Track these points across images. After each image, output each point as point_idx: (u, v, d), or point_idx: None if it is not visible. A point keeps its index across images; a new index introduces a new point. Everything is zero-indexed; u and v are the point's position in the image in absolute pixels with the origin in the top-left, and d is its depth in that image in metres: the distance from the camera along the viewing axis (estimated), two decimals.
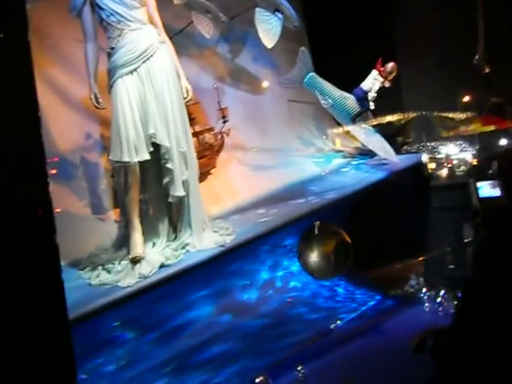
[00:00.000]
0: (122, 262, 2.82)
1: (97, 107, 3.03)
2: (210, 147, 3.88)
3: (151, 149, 2.93)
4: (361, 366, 3.18)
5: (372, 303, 4.03)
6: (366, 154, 4.58)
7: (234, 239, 3.05)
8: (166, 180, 2.99)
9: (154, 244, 3.02)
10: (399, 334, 3.43)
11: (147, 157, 2.90)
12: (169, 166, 2.96)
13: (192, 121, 3.81)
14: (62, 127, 3.53)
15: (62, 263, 2.89)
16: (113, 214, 3.39)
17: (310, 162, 4.41)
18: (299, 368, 3.19)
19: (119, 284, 2.65)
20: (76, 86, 3.54)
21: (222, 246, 2.99)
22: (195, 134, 3.84)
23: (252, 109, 4.56)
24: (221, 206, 3.63)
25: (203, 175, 3.88)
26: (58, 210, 3.27)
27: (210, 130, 3.93)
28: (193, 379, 2.90)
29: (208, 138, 3.90)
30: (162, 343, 2.85)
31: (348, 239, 3.81)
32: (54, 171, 3.32)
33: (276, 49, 4.23)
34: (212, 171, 3.99)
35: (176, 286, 2.81)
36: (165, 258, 2.84)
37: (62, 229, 3.15)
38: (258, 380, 2.98)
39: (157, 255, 2.84)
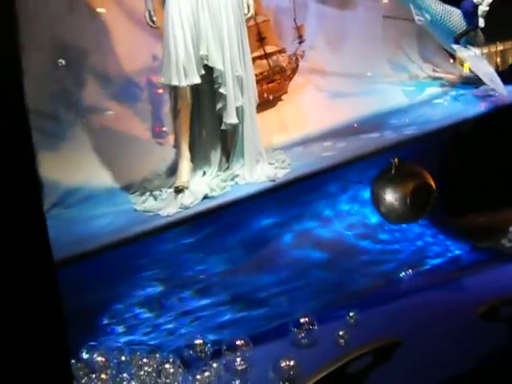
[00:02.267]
0: (168, 190, 2.77)
1: (151, 26, 2.86)
2: (280, 71, 3.55)
3: (203, 72, 2.73)
4: (421, 324, 2.89)
5: (456, 254, 3.60)
6: (469, 83, 3.90)
7: (287, 174, 2.82)
8: (218, 106, 2.80)
9: (204, 173, 2.90)
10: (480, 294, 3.04)
11: (197, 80, 2.71)
12: (222, 90, 2.76)
13: (262, 41, 3.51)
14: (129, 48, 3.44)
15: (116, 186, 2.99)
16: (172, 139, 3.32)
17: (397, 90, 3.86)
18: (351, 313, 2.99)
19: (159, 213, 2.61)
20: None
21: (272, 180, 2.78)
22: (265, 56, 3.53)
23: (337, 27, 4.04)
24: (286, 136, 3.36)
25: (272, 101, 3.62)
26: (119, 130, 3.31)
27: (282, 51, 3.58)
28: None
29: (279, 60, 3.57)
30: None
31: (431, 182, 3.36)
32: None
33: None
34: (283, 97, 3.69)
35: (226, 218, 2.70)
36: (209, 190, 2.72)
37: (121, 151, 3.20)
38: (302, 320, 2.87)
39: (202, 186, 2.73)
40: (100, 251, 2.45)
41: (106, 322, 2.79)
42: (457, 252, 3.60)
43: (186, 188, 2.69)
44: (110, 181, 3.03)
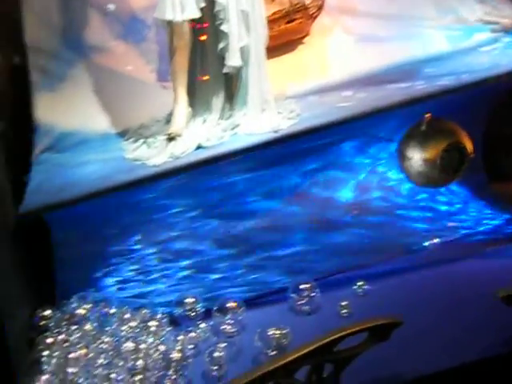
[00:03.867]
0: (162, 138, 2.54)
1: None
2: (302, 9, 3.14)
3: (203, 4, 2.42)
4: (439, 302, 2.60)
5: (494, 224, 3.21)
6: None
7: (292, 125, 2.51)
8: (220, 46, 2.51)
9: (204, 120, 2.64)
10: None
11: (196, 15, 2.42)
12: (223, 28, 2.46)
13: None
14: None
15: (112, 131, 2.81)
16: None
17: (440, 35, 3.34)
18: (360, 283, 2.75)
19: (147, 162, 2.41)
20: None
21: (275, 131, 2.49)
22: None
23: None
24: (303, 83, 2.99)
25: (291, 44, 3.24)
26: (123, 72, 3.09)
27: None
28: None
29: None
30: None
31: (466, 142, 2.97)
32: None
33: None
34: (304, 40, 3.30)
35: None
36: (205, 139, 2.47)
37: (122, 94, 2.99)
38: (302, 286, 2.65)
39: (196, 134, 2.48)
40: (80, 199, 2.30)
41: (99, 272, 2.69)
42: (495, 222, 3.21)
43: (179, 136, 2.46)
44: (107, 125, 2.84)
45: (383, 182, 3.09)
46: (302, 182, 2.86)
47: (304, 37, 3.28)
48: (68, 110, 2.90)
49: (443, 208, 3.19)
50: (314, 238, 2.85)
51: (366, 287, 2.73)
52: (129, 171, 2.39)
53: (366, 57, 3.17)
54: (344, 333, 1.95)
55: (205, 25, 2.51)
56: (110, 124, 2.84)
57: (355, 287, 2.72)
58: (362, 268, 2.86)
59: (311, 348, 1.91)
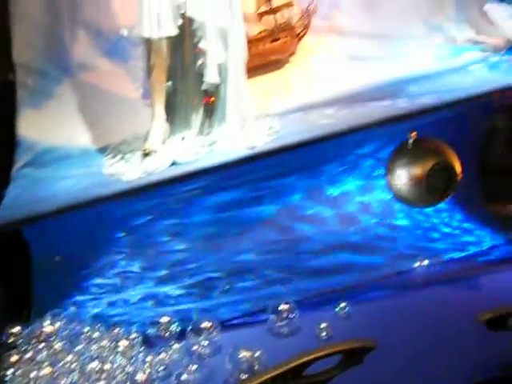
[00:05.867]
0: (138, 154, 2.53)
1: None
2: (287, 28, 3.16)
3: (180, 22, 2.44)
4: (421, 325, 2.51)
5: (486, 246, 3.13)
6: None
7: (269, 142, 2.49)
8: (199, 62, 2.52)
9: (183, 137, 2.64)
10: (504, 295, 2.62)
11: (173, 32, 2.43)
12: (201, 45, 2.46)
13: None
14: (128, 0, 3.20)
15: (94, 147, 2.82)
16: None
17: (427, 54, 3.34)
18: (342, 305, 2.67)
19: (122, 177, 2.40)
20: None
21: (250, 148, 2.46)
22: (271, 11, 3.17)
23: None
24: (286, 101, 2.99)
25: (277, 62, 3.25)
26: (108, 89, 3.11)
27: (289, 4, 3.18)
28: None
29: (288, 15, 3.18)
30: None
31: (454, 162, 2.91)
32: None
33: None
34: (291, 58, 3.31)
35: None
36: (180, 155, 2.45)
37: (106, 111, 3.00)
38: (281, 307, 2.58)
39: (172, 150, 2.48)
40: (56, 213, 2.29)
41: (76, 288, 2.66)
42: (485, 244, 3.12)
43: (155, 152, 2.45)
44: (90, 141, 2.87)
45: (370, 201, 3.04)
46: (287, 200, 2.83)
47: (290, 55, 3.30)
48: (52, 127, 2.93)
49: (435, 229, 3.12)
50: (296, 258, 2.79)
51: (348, 309, 2.65)
52: (104, 186, 2.38)
53: (352, 75, 3.17)
54: (312, 356, 1.88)
55: None
56: (93, 140, 2.86)
57: (337, 309, 2.65)
58: (349, 289, 2.79)
59: (279, 371, 1.85)
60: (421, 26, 3.59)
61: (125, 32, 3.20)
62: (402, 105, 2.77)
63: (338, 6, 3.47)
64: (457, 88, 2.88)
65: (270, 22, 3.24)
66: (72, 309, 2.55)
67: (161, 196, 2.48)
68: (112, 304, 2.64)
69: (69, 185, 2.50)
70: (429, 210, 3.11)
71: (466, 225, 3.17)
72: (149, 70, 2.53)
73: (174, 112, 2.66)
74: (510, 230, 3.13)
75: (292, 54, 3.29)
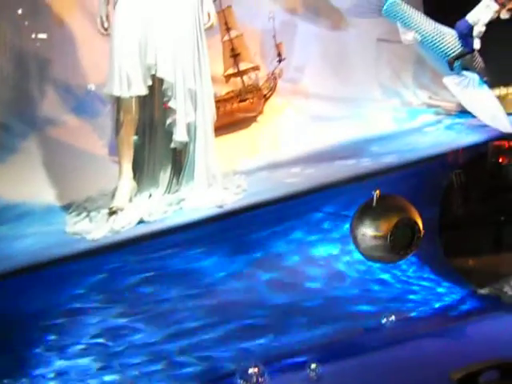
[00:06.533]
0: (104, 212, 2.49)
1: (102, 33, 2.65)
2: (254, 89, 3.29)
3: (150, 82, 2.49)
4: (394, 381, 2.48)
5: (451, 300, 3.17)
6: (468, 111, 3.53)
7: (238, 200, 2.51)
8: (168, 121, 2.55)
9: (150, 195, 2.63)
10: (471, 350, 2.63)
11: (143, 92, 2.47)
12: (171, 104, 2.51)
13: (237, 57, 3.27)
14: (97, 58, 3.26)
15: (58, 204, 2.74)
16: None
17: (386, 116, 3.54)
18: (313, 366, 2.61)
19: (86, 236, 2.34)
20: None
21: (219, 206, 2.48)
22: (238, 73, 3.29)
23: (327, 47, 3.78)
24: (253, 159, 3.07)
25: (245, 122, 3.35)
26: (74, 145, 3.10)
27: (256, 68, 3.33)
28: None
29: (255, 78, 3.32)
30: None
31: (416, 219, 2.98)
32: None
33: None
34: (259, 118, 3.42)
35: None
36: (147, 213, 2.43)
37: (72, 167, 2.95)
38: (251, 371, 2.50)
39: (139, 208, 2.45)
40: (11, 274, 2.19)
41: (30, 358, 2.49)
42: (450, 298, 3.18)
43: (121, 210, 2.42)
44: (53, 198, 2.81)
45: (337, 258, 3.07)
46: (254, 258, 2.82)
47: (257, 115, 3.41)
48: (15, 182, 2.86)
49: (399, 285, 3.17)
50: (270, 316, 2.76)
51: (319, 370, 2.60)
52: (67, 245, 2.31)
53: (316, 136, 3.30)
54: None
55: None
56: (57, 197, 2.80)
57: (308, 370, 2.59)
58: (317, 348, 2.74)
59: None
60: (379, 91, 3.82)
61: (93, 88, 3.24)
62: (365, 164, 2.88)
63: (302, 70, 3.66)
64: (416, 148, 3.03)
65: (237, 83, 3.36)
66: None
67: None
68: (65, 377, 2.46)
69: (29, 243, 2.41)
70: (393, 266, 3.16)
71: (430, 279, 3.24)
72: (117, 128, 2.54)
73: (141, 169, 2.66)
74: (472, 282, 3.21)
75: (259, 113, 3.40)
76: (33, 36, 3.18)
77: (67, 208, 2.73)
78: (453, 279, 3.23)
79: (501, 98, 3.49)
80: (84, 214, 2.57)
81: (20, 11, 3.15)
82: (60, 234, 2.48)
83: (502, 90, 3.60)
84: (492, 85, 3.42)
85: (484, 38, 3.32)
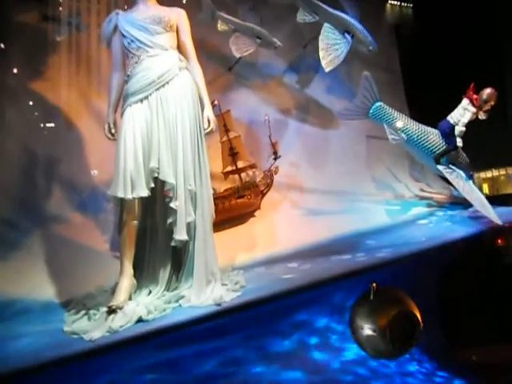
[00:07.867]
0: (103, 310, 2.50)
1: (109, 138, 2.83)
2: (251, 186, 3.43)
3: (152, 185, 2.62)
4: None
5: None
6: (459, 203, 3.66)
7: (236, 297, 2.53)
8: (169, 221, 2.64)
9: (149, 292, 2.65)
10: None
11: (145, 194, 2.58)
12: (172, 205, 2.61)
13: (235, 156, 3.45)
14: (102, 156, 3.44)
15: (57, 301, 2.74)
16: None
17: (380, 209, 3.66)
18: None
19: (84, 336, 2.32)
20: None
21: (217, 304, 2.49)
22: (236, 171, 3.45)
23: (320, 145, 4.01)
24: (251, 255, 3.13)
25: (243, 217, 3.46)
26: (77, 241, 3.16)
27: (253, 166, 3.50)
28: None
29: (252, 175, 3.47)
30: None
31: (415, 311, 2.98)
32: None
33: (357, 78, 3.67)
34: (256, 213, 3.53)
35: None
36: (146, 312, 2.43)
37: (74, 263, 2.99)
38: None
39: (138, 307, 2.46)
40: (5, 378, 2.15)
41: None
42: None
43: (120, 308, 2.42)
44: (53, 295, 2.82)
45: (337, 352, 3.02)
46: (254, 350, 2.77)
47: (255, 211, 3.52)
48: (15, 279, 2.89)
49: (402, 379, 3.08)
50: None
51: None
52: (64, 346, 2.28)
53: (312, 230, 3.39)
54: None
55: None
56: (56, 293, 2.82)
57: None
58: None
59: None
60: (372, 185, 3.98)
61: (98, 185, 3.38)
62: (360, 258, 2.93)
63: (297, 165, 3.84)
64: (410, 241, 3.10)
65: (235, 180, 3.51)
66: None
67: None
68: None
69: (25, 343, 2.38)
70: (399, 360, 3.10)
71: (438, 374, 3.15)
72: (120, 227, 2.62)
73: (142, 267, 2.70)
74: (480, 376, 3.12)
75: (257, 209, 3.51)
76: (43, 136, 3.38)
77: (66, 304, 2.73)
78: (465, 372, 3.14)
79: (493, 180, 3.65)
80: (83, 311, 2.57)
81: (34, 114, 3.37)
82: (57, 333, 2.46)
83: (494, 172, 3.76)
84: (483, 168, 3.59)
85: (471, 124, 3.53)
